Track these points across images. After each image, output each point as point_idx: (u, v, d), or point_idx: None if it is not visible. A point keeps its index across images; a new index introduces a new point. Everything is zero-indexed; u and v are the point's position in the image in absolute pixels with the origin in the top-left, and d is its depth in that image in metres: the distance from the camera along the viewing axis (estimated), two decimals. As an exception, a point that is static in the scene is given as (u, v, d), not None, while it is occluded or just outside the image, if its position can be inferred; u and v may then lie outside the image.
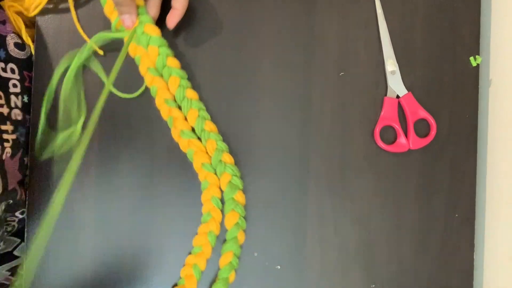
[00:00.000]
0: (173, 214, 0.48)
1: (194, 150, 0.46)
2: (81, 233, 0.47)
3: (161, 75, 0.46)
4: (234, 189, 0.46)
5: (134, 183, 0.48)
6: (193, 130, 0.47)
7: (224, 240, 0.46)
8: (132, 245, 0.47)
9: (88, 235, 0.47)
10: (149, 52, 0.46)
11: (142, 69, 0.46)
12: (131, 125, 0.48)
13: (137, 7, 0.45)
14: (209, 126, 0.47)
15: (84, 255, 0.47)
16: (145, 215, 0.48)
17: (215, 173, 0.46)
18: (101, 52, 0.48)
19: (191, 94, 0.46)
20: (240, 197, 0.46)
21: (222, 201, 0.47)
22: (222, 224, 0.46)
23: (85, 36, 0.48)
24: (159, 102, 0.46)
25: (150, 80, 0.46)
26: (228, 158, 0.46)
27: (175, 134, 0.46)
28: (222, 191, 0.47)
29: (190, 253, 0.47)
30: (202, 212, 0.47)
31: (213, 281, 0.46)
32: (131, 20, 0.44)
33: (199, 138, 0.47)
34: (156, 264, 0.48)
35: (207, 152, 0.47)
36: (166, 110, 0.46)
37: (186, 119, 0.47)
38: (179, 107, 0.47)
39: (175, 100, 0.46)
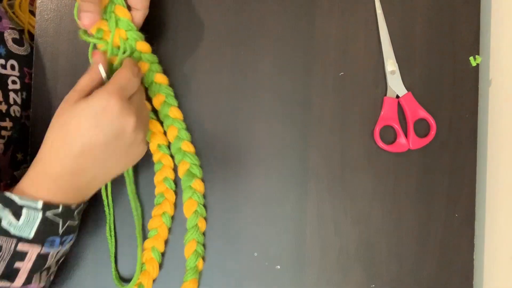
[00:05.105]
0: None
1: (152, 131, 0.46)
2: (81, 233, 0.48)
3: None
4: (192, 177, 0.46)
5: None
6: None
7: (186, 231, 0.47)
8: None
9: (88, 234, 0.47)
10: (117, 33, 0.42)
11: (101, 48, 0.43)
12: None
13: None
14: (174, 112, 0.46)
15: (84, 255, 0.47)
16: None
17: (171, 156, 0.47)
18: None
19: (161, 79, 0.46)
20: (197, 185, 0.46)
21: (175, 183, 0.47)
22: (181, 212, 0.46)
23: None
24: None
25: (110, 59, 0.42)
26: (187, 146, 0.46)
27: None
28: (176, 173, 0.47)
29: (147, 238, 0.47)
30: (155, 194, 0.47)
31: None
32: (91, 19, 0.39)
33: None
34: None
35: (165, 134, 0.46)
36: None
37: (151, 103, 0.46)
38: (146, 89, 0.46)
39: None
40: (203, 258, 0.47)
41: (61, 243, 0.39)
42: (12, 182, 0.48)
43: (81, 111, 0.35)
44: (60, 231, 0.38)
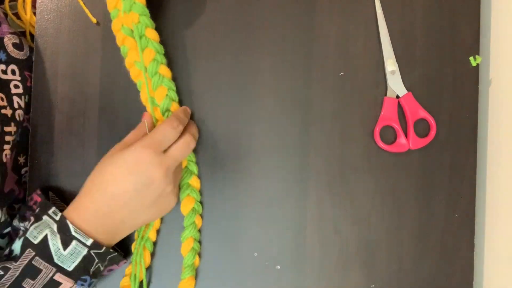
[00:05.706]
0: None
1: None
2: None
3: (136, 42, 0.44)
4: (190, 174, 0.47)
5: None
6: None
7: (183, 228, 0.47)
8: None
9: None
10: (130, 16, 0.43)
11: (115, 27, 0.44)
12: (131, 125, 0.48)
13: None
14: (175, 108, 0.46)
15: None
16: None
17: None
18: (94, 20, 0.48)
19: (165, 71, 0.45)
20: (195, 182, 0.47)
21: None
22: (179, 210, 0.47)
23: (90, 15, 0.48)
24: (129, 63, 0.45)
25: (122, 39, 0.44)
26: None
27: (143, 98, 0.46)
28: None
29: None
30: None
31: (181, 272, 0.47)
32: None
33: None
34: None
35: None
36: (135, 73, 0.45)
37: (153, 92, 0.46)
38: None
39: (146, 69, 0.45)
40: (199, 255, 0.47)
41: (89, 285, 0.41)
42: (18, 185, 0.48)
43: (117, 160, 0.39)
44: (91, 271, 0.40)
